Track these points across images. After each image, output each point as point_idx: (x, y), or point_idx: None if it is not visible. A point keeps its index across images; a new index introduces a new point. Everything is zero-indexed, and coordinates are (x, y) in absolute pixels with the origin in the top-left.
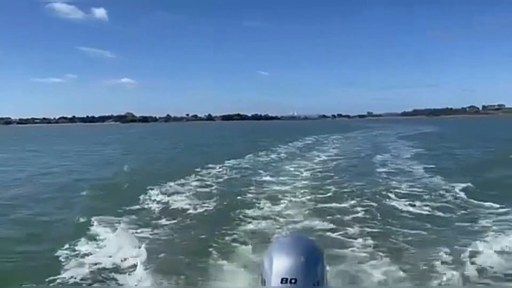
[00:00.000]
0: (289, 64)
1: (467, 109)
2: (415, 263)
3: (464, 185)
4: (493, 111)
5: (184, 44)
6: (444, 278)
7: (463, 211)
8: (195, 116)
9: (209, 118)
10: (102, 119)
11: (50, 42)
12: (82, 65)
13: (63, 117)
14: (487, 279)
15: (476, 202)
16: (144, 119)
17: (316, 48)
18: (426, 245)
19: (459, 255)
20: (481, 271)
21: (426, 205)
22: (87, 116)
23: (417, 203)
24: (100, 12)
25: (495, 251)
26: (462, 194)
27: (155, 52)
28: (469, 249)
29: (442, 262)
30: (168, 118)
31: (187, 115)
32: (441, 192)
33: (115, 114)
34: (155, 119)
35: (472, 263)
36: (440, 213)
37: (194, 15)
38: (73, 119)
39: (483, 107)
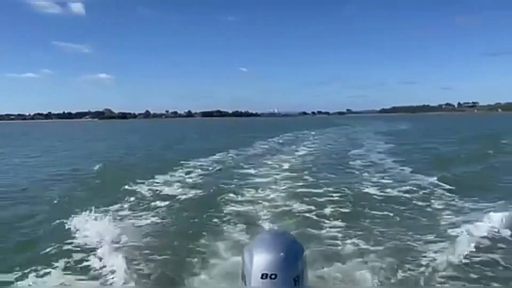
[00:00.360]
0: (269, 61)
1: (444, 107)
2: (391, 248)
3: (431, 178)
4: (467, 108)
5: (163, 39)
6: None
7: (431, 199)
8: (175, 112)
9: (189, 114)
10: (80, 115)
11: (26, 36)
12: (58, 60)
13: (38, 114)
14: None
15: (442, 191)
16: (123, 116)
17: (296, 45)
18: (395, 227)
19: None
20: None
21: (396, 193)
22: (64, 112)
23: (387, 191)
24: (77, 7)
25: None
26: (429, 183)
27: (134, 48)
28: (432, 233)
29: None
30: (147, 115)
31: (167, 111)
32: (410, 181)
33: (92, 110)
34: (134, 116)
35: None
36: (408, 200)
37: (174, 11)
38: (49, 116)
39: (459, 104)
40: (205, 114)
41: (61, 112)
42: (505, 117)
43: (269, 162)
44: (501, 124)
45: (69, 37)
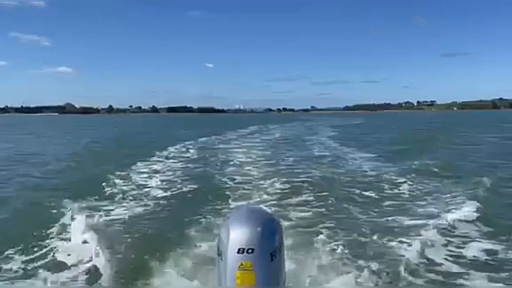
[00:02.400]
0: (234, 57)
1: (403, 105)
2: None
3: (366, 154)
4: (426, 107)
5: (126, 32)
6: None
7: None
8: (139, 108)
9: (154, 110)
10: (39, 109)
11: None
12: (13, 51)
13: None
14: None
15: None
16: (85, 111)
17: (262, 42)
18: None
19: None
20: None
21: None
22: (22, 107)
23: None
24: None
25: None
26: (359, 156)
27: (95, 40)
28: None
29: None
30: (110, 110)
31: (131, 106)
32: (344, 156)
33: (53, 105)
34: (97, 111)
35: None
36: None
37: (138, 3)
38: (6, 109)
39: (418, 102)
40: (171, 110)
41: (20, 106)
42: (456, 115)
43: (240, 149)
44: (443, 120)
45: (27, 29)
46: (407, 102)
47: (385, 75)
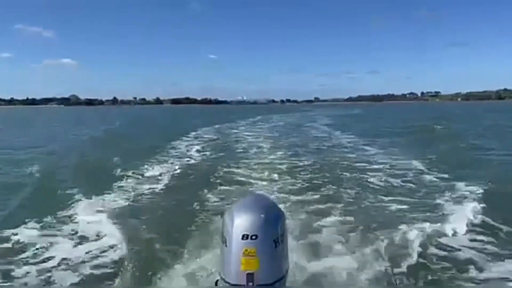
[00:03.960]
0: (237, 48)
1: (407, 95)
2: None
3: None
4: (430, 97)
5: (129, 25)
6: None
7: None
8: (143, 99)
9: (158, 101)
10: (45, 101)
11: None
12: (17, 43)
13: (0, 99)
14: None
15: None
16: (90, 102)
17: (266, 33)
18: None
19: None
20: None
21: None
22: (28, 98)
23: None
24: None
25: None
26: (349, 141)
27: (98, 33)
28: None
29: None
30: (115, 101)
31: (135, 98)
32: (336, 138)
33: (58, 96)
34: (101, 102)
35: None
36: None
37: None
38: (12, 101)
39: (422, 93)
40: (175, 101)
41: (25, 98)
42: (461, 106)
43: (245, 137)
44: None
45: (30, 20)
46: (411, 93)
47: (389, 66)
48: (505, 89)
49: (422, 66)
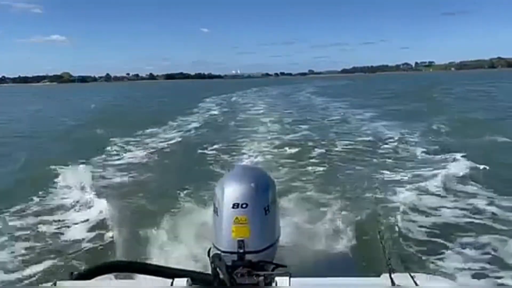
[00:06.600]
0: (230, 20)
1: (401, 66)
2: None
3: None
4: (424, 68)
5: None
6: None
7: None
8: (137, 75)
9: (151, 77)
10: (36, 79)
11: None
12: (2, 20)
13: None
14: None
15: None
16: (83, 79)
17: (258, 3)
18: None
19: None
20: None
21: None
22: (19, 76)
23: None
24: None
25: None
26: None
27: (87, 8)
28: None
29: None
30: (108, 78)
31: (128, 74)
32: (322, 104)
33: (50, 74)
34: (94, 79)
35: None
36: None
37: None
38: (3, 80)
39: (416, 64)
40: (168, 77)
41: (17, 76)
42: (451, 75)
43: (244, 106)
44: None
45: None
46: (405, 63)
47: (384, 36)
48: (499, 58)
49: (418, 35)
